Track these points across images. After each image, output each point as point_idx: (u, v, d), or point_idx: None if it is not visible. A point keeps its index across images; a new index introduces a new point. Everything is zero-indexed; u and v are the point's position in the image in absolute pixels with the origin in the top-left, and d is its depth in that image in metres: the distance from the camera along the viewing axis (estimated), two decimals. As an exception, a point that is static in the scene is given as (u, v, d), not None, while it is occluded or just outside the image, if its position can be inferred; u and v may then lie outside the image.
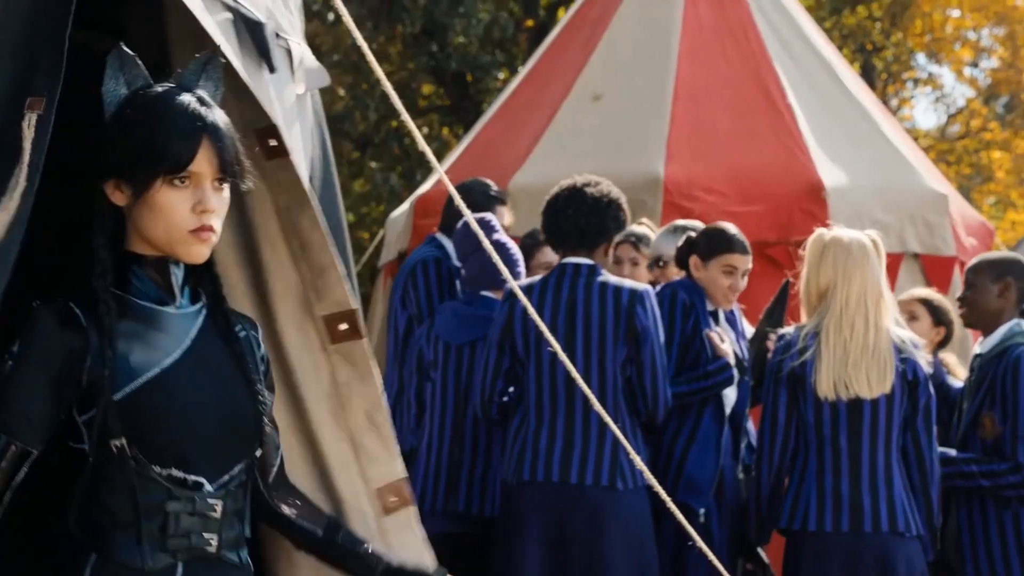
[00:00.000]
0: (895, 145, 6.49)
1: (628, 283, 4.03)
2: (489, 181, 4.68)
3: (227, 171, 1.89)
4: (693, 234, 4.38)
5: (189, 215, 1.87)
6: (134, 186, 1.86)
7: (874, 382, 3.69)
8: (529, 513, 3.85)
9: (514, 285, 2.94)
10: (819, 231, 3.87)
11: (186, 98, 1.88)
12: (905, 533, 3.67)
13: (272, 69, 2.11)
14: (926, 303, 4.76)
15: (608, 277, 4.02)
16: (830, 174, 5.94)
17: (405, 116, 2.19)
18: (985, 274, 4.24)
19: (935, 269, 6.20)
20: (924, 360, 3.80)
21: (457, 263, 4.48)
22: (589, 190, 4.00)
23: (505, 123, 6.39)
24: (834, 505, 3.66)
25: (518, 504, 3.90)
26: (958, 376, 4.71)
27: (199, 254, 1.90)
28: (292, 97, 2.26)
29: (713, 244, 4.24)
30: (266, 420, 1.96)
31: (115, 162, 1.87)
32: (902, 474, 3.73)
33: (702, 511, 4.11)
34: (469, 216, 2.73)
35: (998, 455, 4.00)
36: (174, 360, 1.90)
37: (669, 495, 4.10)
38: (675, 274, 4.47)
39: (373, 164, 13.98)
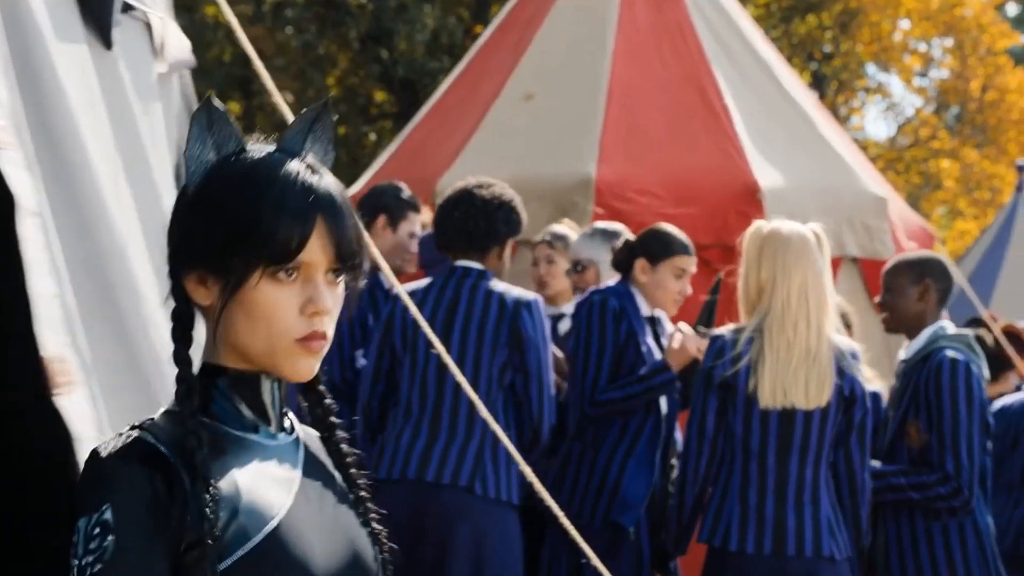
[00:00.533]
0: (834, 148, 6.40)
1: (516, 291, 3.88)
2: (402, 185, 4.54)
3: (345, 260, 1.47)
4: (630, 238, 4.22)
5: (297, 319, 1.45)
6: (225, 281, 1.45)
7: (812, 392, 3.44)
8: (386, 510, 3.70)
9: (399, 288, 2.80)
10: (757, 223, 3.62)
11: (294, 166, 1.47)
12: (831, 557, 3.45)
13: (108, 44, 1.90)
14: (842, 315, 4.63)
15: (497, 284, 3.88)
16: (766, 176, 5.84)
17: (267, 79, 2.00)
18: (903, 277, 4.04)
19: (874, 273, 6.08)
20: (862, 374, 3.59)
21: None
22: (480, 192, 3.87)
23: (436, 123, 6.24)
24: (757, 525, 3.45)
25: (377, 503, 3.70)
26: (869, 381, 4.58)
27: (307, 369, 1.48)
28: (152, 76, 2.08)
29: (664, 246, 4.07)
30: (385, 559, 1.66)
31: (201, 249, 1.46)
32: (830, 493, 3.51)
33: (632, 528, 3.97)
34: (360, 225, 2.58)
35: (926, 465, 3.81)
36: (288, 509, 1.48)
37: (603, 515, 4.05)
38: (593, 279, 4.33)
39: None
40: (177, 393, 1.47)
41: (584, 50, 6.15)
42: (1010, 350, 5.66)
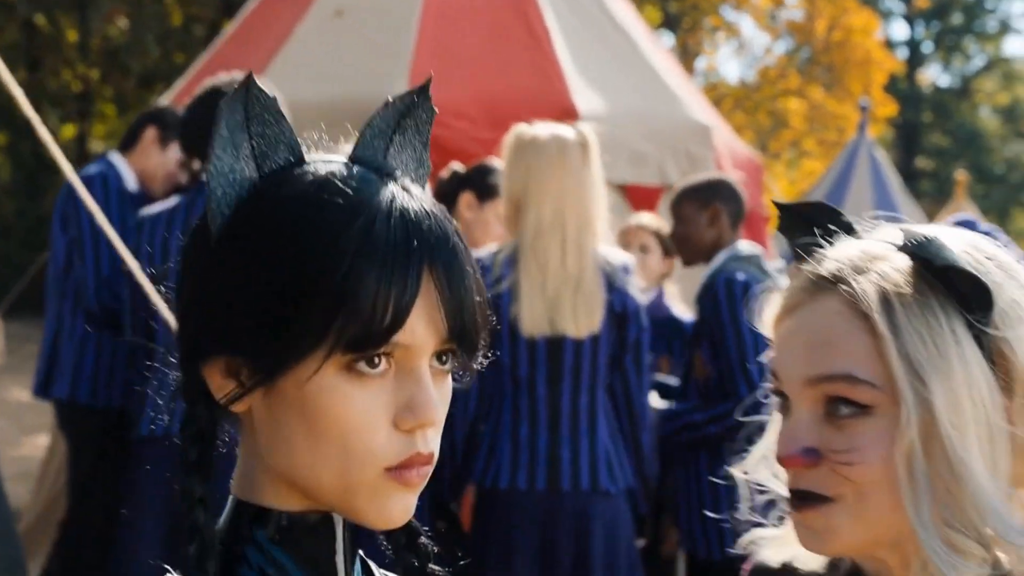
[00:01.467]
0: (660, 75, 6.25)
1: None
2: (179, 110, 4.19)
3: (464, 337, 0.97)
4: (461, 169, 3.90)
5: (389, 435, 0.95)
6: (270, 373, 0.94)
7: (582, 320, 3.14)
8: (161, 470, 3.38)
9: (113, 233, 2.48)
10: (518, 127, 3.26)
11: (387, 192, 0.95)
12: (609, 490, 3.22)
13: None
14: (657, 234, 4.45)
15: None
16: (586, 100, 5.65)
17: None
18: (689, 204, 3.78)
19: (698, 204, 5.99)
20: (636, 288, 3.31)
21: (132, 185, 3.98)
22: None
23: (241, 42, 5.89)
24: (530, 460, 3.19)
25: (149, 461, 3.38)
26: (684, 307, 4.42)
27: (401, 512, 0.98)
28: None
29: (496, 187, 3.62)
30: None
31: (232, 324, 0.94)
32: (608, 420, 3.27)
33: None
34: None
35: (720, 396, 3.56)
36: None
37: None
38: None
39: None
40: (185, 557, 0.95)
41: (398, -36, 5.85)
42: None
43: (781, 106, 17.80)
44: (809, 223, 1.27)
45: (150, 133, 4.01)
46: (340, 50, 5.54)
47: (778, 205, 1.29)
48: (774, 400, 1.29)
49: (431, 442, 0.97)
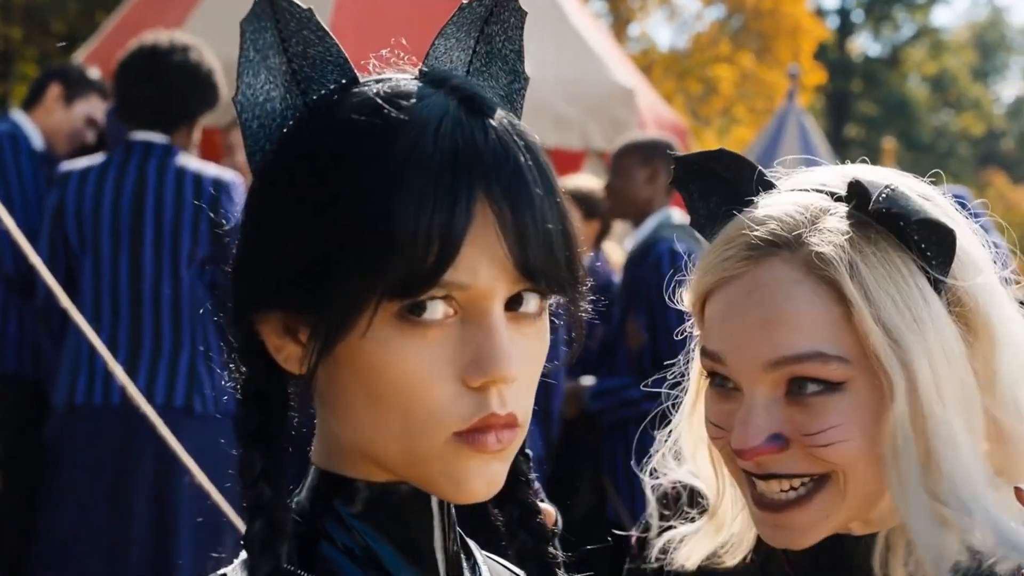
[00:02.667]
0: (583, 38, 6.20)
1: (212, 169, 3.45)
2: (84, 67, 4.09)
3: (543, 275, 0.83)
4: None
5: (455, 393, 0.82)
6: (322, 325, 0.82)
7: None
8: (83, 441, 3.27)
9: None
10: None
11: (442, 106, 0.82)
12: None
13: None
14: (575, 194, 4.41)
15: (188, 161, 3.40)
16: (508, 63, 5.59)
17: None
18: (631, 158, 3.85)
19: (621, 167, 5.98)
20: None
21: (38, 144, 3.86)
22: (175, 57, 3.36)
23: (155, 0, 5.75)
24: None
25: (71, 431, 3.30)
26: None
27: (481, 485, 0.84)
28: None
29: None
30: None
31: (284, 271, 0.82)
32: None
33: None
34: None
35: (654, 367, 3.56)
36: None
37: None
38: None
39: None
40: (249, 538, 0.83)
41: (318, -78, 5.74)
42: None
43: (712, 73, 17.85)
44: (712, 175, 1.13)
45: (54, 90, 3.89)
46: (257, 8, 5.43)
47: (675, 158, 1.14)
48: (700, 383, 1.16)
49: (511, 401, 0.82)
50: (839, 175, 1.10)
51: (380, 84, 0.85)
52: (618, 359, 3.73)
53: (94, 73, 4.04)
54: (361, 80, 0.86)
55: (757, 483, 1.09)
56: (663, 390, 1.28)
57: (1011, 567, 1.06)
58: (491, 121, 0.82)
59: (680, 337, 1.23)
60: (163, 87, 3.33)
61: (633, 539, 1.34)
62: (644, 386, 3.60)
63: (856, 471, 1.04)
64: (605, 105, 5.94)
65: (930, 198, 1.09)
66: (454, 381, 0.81)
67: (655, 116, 6.45)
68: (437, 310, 0.80)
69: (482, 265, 0.80)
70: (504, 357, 0.80)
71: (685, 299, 1.15)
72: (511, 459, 0.85)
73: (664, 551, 1.24)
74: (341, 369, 0.82)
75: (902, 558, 1.09)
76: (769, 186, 1.12)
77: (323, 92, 0.85)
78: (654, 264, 3.57)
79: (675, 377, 1.26)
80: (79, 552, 3.27)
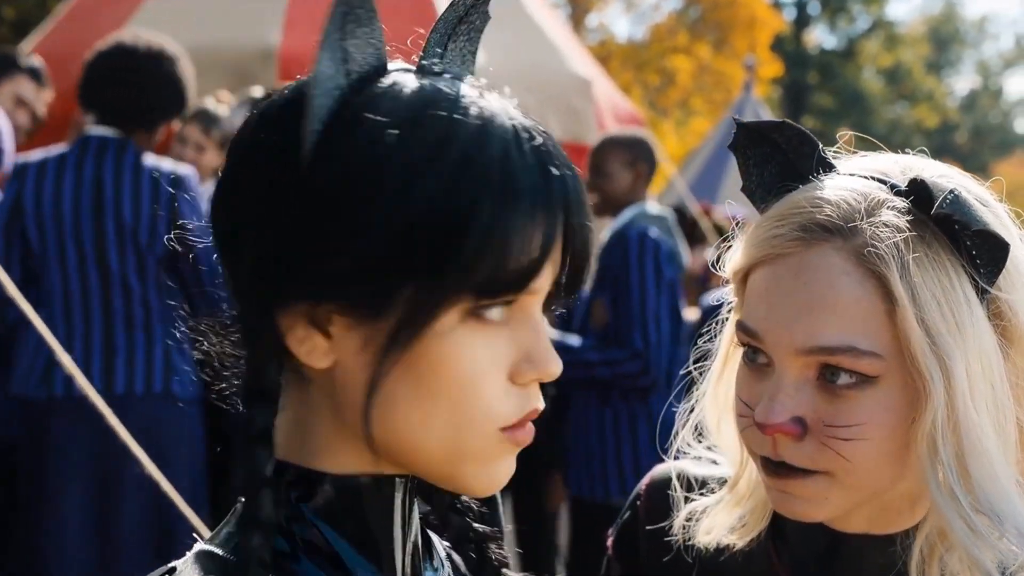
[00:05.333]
0: (540, 27, 6.20)
1: (167, 164, 3.44)
2: (13, 51, 4.04)
3: (576, 285, 0.88)
4: None
5: (506, 391, 0.84)
6: (377, 321, 0.81)
7: None
8: (64, 431, 3.26)
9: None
10: None
11: (504, 115, 0.84)
12: None
13: None
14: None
15: (145, 157, 3.40)
16: (465, 52, 5.58)
17: None
18: (615, 158, 3.90)
19: (578, 157, 5.98)
20: None
21: None
22: (154, 64, 3.37)
23: (109, -14, 5.68)
24: None
25: (47, 423, 3.29)
26: None
27: (507, 475, 0.88)
28: None
29: None
30: None
31: (334, 264, 0.79)
32: None
33: None
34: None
35: (616, 343, 3.66)
36: None
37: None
38: None
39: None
40: (247, 554, 0.81)
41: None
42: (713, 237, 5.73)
43: (670, 64, 17.91)
44: (772, 145, 1.10)
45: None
46: (211, -5, 5.39)
47: (738, 123, 1.12)
48: (730, 351, 1.15)
49: (539, 397, 0.86)
50: (900, 166, 1.09)
51: (410, 74, 0.84)
52: (585, 336, 3.83)
53: (29, 60, 4.01)
54: (387, 64, 0.85)
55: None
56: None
57: None
58: (551, 144, 0.84)
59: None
60: (138, 91, 3.35)
61: (609, 541, 1.34)
62: (601, 351, 3.66)
63: (860, 469, 1.04)
64: (562, 95, 5.94)
65: (987, 203, 1.09)
66: (504, 378, 0.83)
67: (612, 107, 6.46)
68: (501, 311, 0.83)
69: (547, 273, 0.84)
70: (554, 356, 0.85)
71: (727, 267, 1.12)
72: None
73: (685, 524, 1.24)
74: (394, 368, 0.81)
75: (937, 562, 1.09)
76: (829, 167, 1.10)
77: (360, 73, 0.83)
78: (624, 247, 3.68)
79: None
80: (70, 543, 3.26)
